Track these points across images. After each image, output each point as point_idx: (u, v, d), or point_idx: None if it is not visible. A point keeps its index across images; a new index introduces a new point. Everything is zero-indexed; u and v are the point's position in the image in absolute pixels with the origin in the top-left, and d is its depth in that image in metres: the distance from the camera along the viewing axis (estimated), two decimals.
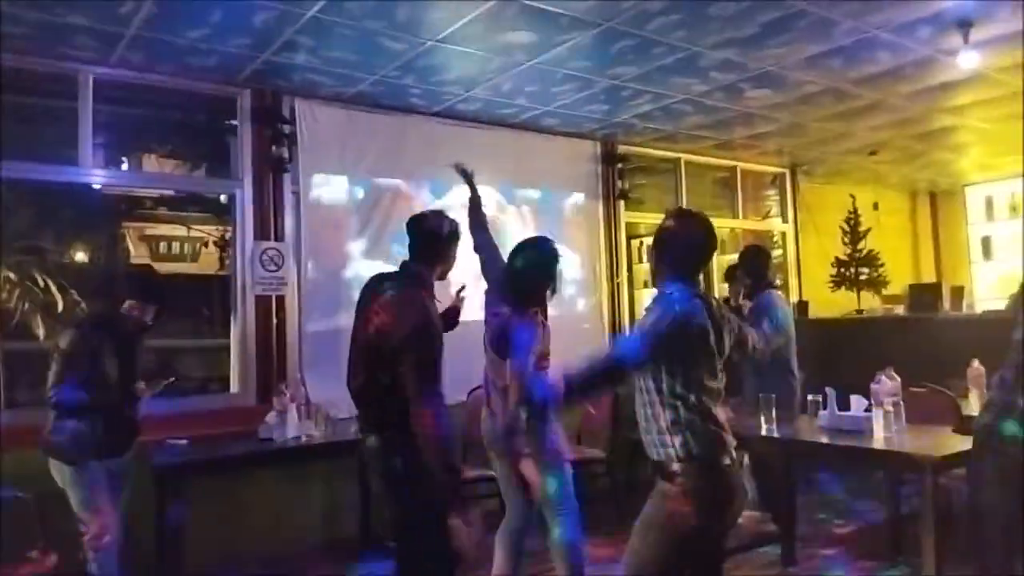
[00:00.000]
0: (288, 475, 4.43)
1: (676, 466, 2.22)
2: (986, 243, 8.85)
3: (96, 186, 4.81)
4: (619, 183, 6.35)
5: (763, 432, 3.54)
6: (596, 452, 4.79)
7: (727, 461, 2.26)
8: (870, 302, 7.54)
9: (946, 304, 6.83)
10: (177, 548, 3.60)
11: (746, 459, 4.39)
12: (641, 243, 7.42)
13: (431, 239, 2.68)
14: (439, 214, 2.76)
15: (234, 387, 4.65)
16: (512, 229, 5.36)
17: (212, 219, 8.21)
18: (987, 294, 8.52)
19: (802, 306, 7.26)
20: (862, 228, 7.62)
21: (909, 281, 8.31)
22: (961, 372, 4.32)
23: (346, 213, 4.97)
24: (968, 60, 4.33)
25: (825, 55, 4.46)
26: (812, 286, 7.72)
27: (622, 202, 6.40)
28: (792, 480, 4.22)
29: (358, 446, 2.80)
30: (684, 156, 6.84)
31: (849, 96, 5.31)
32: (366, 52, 4.15)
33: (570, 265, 5.81)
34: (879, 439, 3.30)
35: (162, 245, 9.60)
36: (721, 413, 2.30)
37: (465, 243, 3.23)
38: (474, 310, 3.33)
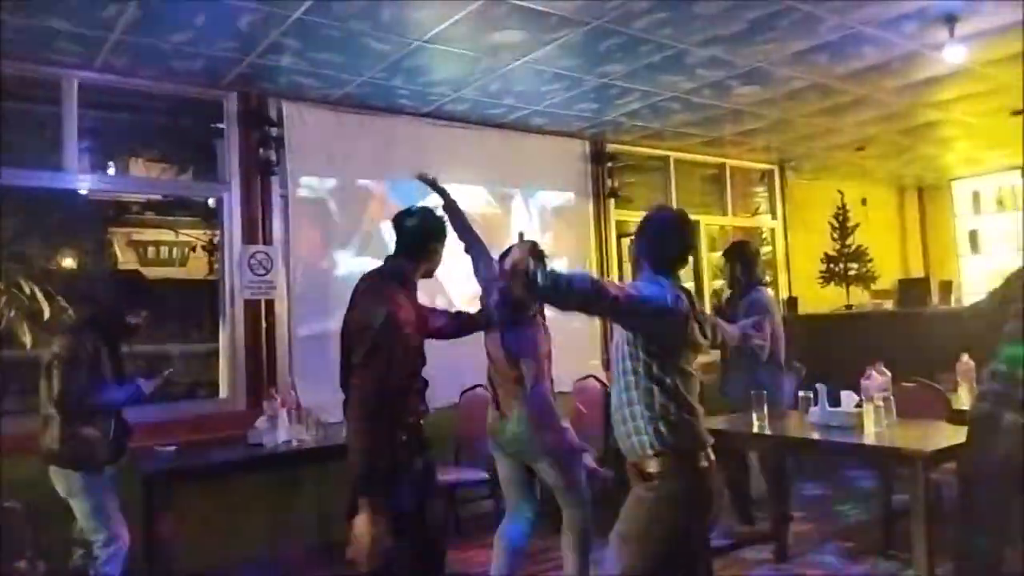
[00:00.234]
0: (279, 480, 4.41)
1: (652, 465, 2.23)
2: (973, 237, 8.88)
3: (82, 191, 4.75)
4: (608, 182, 6.35)
5: (755, 429, 3.54)
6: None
7: (704, 463, 2.26)
8: (859, 297, 7.56)
9: (935, 298, 6.88)
10: (166, 555, 3.56)
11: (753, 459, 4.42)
12: (631, 241, 7.42)
13: (414, 235, 2.64)
14: (425, 210, 2.72)
15: (223, 392, 4.62)
16: (502, 229, 5.34)
17: (200, 223, 8.13)
18: (975, 288, 8.54)
19: (791, 302, 7.29)
20: (850, 224, 7.63)
21: (898, 276, 8.38)
22: (951, 366, 4.34)
23: (335, 216, 4.95)
24: (954, 54, 4.35)
25: (811, 51, 4.48)
26: (801, 282, 7.74)
27: (612, 200, 6.42)
28: (785, 476, 4.24)
29: None
30: (673, 154, 6.86)
31: (836, 92, 5.33)
32: (353, 53, 4.13)
33: (560, 264, 5.79)
34: (870, 434, 3.30)
35: (150, 250, 9.50)
36: (698, 406, 2.31)
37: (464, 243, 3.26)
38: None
